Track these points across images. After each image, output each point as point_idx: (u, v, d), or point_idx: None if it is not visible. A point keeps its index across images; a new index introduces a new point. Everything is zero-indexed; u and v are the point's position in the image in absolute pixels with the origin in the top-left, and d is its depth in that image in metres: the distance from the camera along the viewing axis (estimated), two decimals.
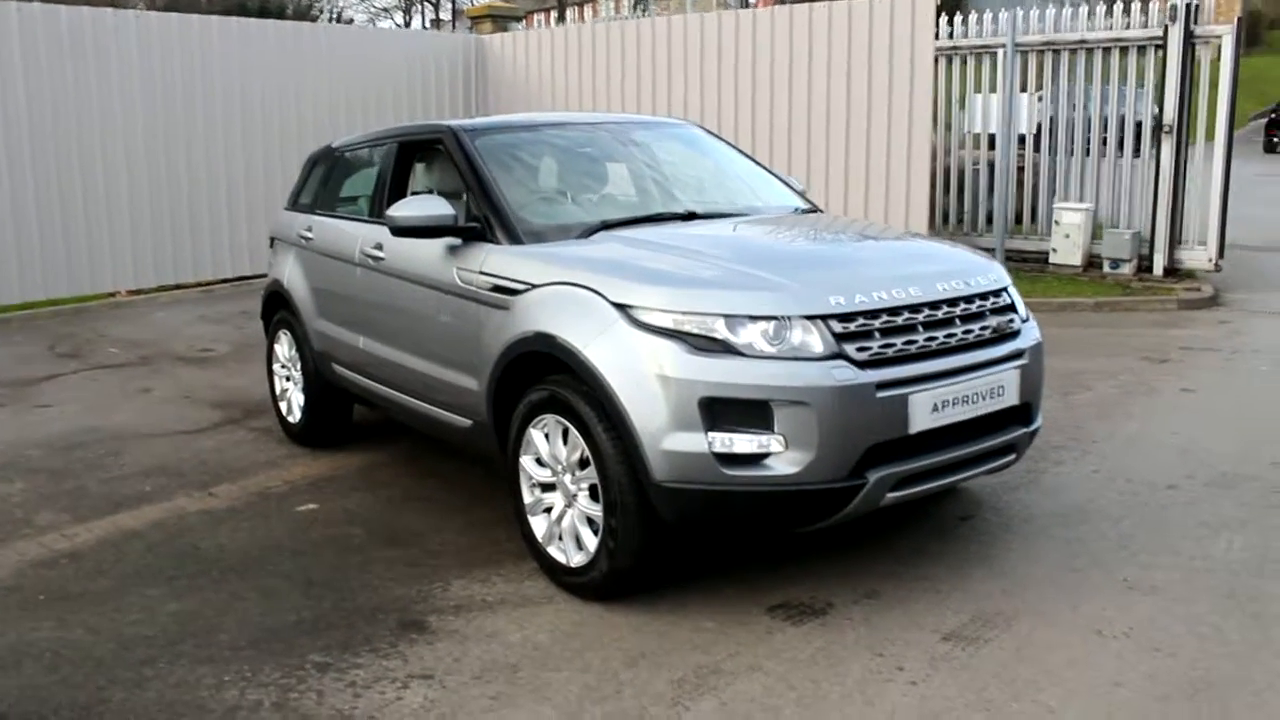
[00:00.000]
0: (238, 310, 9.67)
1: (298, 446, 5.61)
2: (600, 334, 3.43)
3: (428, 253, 4.29)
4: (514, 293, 3.81)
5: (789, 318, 3.28)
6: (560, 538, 3.72)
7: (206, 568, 4.05)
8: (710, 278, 3.50)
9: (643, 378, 3.31)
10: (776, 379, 3.22)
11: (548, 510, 3.79)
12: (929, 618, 3.42)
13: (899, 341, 3.39)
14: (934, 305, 3.51)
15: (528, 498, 3.84)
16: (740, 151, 5.27)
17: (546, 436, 3.71)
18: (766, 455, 3.25)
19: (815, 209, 4.85)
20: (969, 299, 3.63)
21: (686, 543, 3.70)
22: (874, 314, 3.38)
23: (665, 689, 3.05)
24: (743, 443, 3.24)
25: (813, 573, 3.77)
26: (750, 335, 3.27)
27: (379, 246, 4.67)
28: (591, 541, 3.55)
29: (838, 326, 3.30)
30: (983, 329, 3.63)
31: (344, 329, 5.05)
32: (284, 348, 5.71)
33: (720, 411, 3.24)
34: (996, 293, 3.77)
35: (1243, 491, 4.50)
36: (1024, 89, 10.32)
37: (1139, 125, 10.08)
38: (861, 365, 3.29)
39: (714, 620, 3.45)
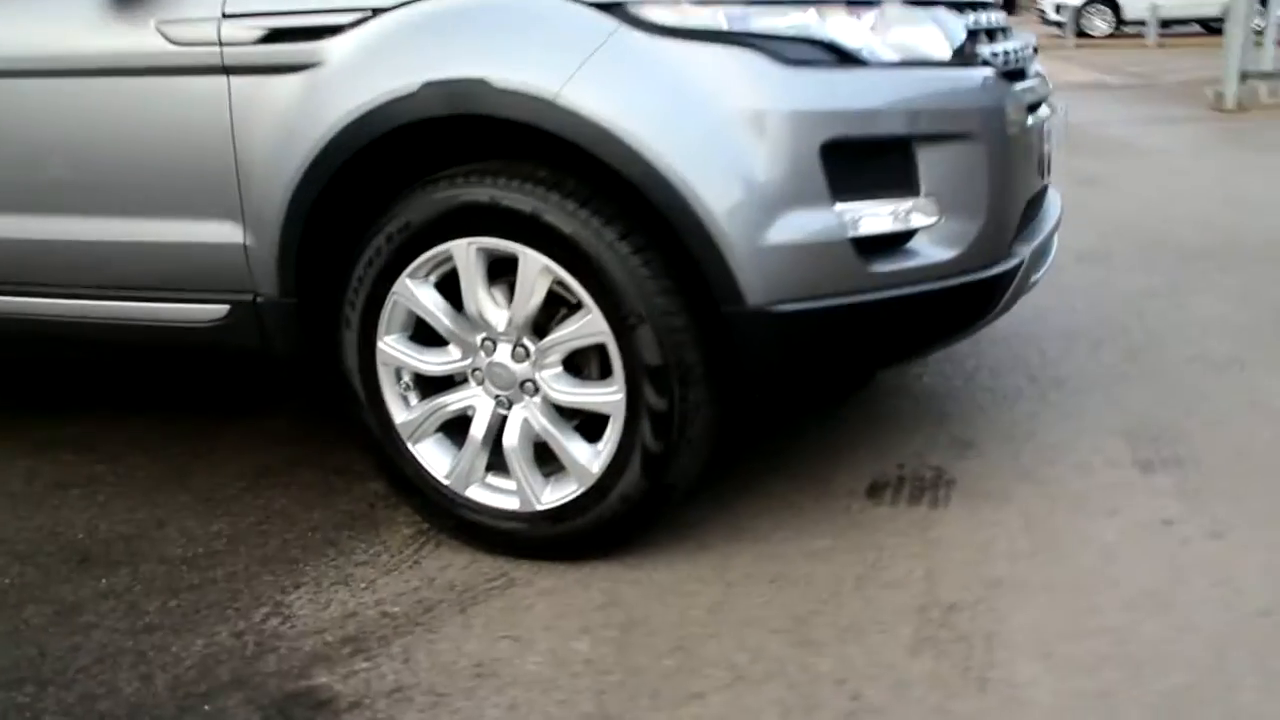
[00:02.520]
0: None
1: None
2: (588, 60, 1.79)
3: (65, 11, 2.20)
4: (326, 32, 1.97)
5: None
6: (492, 470, 2.07)
7: None
8: None
9: (708, 123, 1.77)
10: (924, 99, 1.88)
11: (448, 427, 2.10)
12: (1080, 451, 2.36)
13: (1001, 50, 2.19)
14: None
15: (401, 413, 2.10)
16: None
17: (442, 287, 2.00)
18: (910, 234, 1.91)
19: None
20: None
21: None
22: (959, 6, 2.13)
23: (909, 643, 1.66)
24: (876, 217, 1.86)
25: (835, 444, 2.51)
26: (859, 33, 1.87)
27: None
28: (586, 456, 1.96)
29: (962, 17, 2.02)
30: (1020, 49, 2.54)
31: None
32: None
33: (841, 166, 1.82)
34: None
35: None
36: None
37: None
38: (1004, 77, 2.05)
39: (829, 537, 2.07)
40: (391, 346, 2.05)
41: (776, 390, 1.95)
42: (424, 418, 2.08)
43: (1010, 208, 2.02)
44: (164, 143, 2.13)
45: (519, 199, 1.85)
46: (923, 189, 1.89)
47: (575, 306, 1.97)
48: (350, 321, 2.06)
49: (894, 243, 1.89)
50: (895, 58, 1.88)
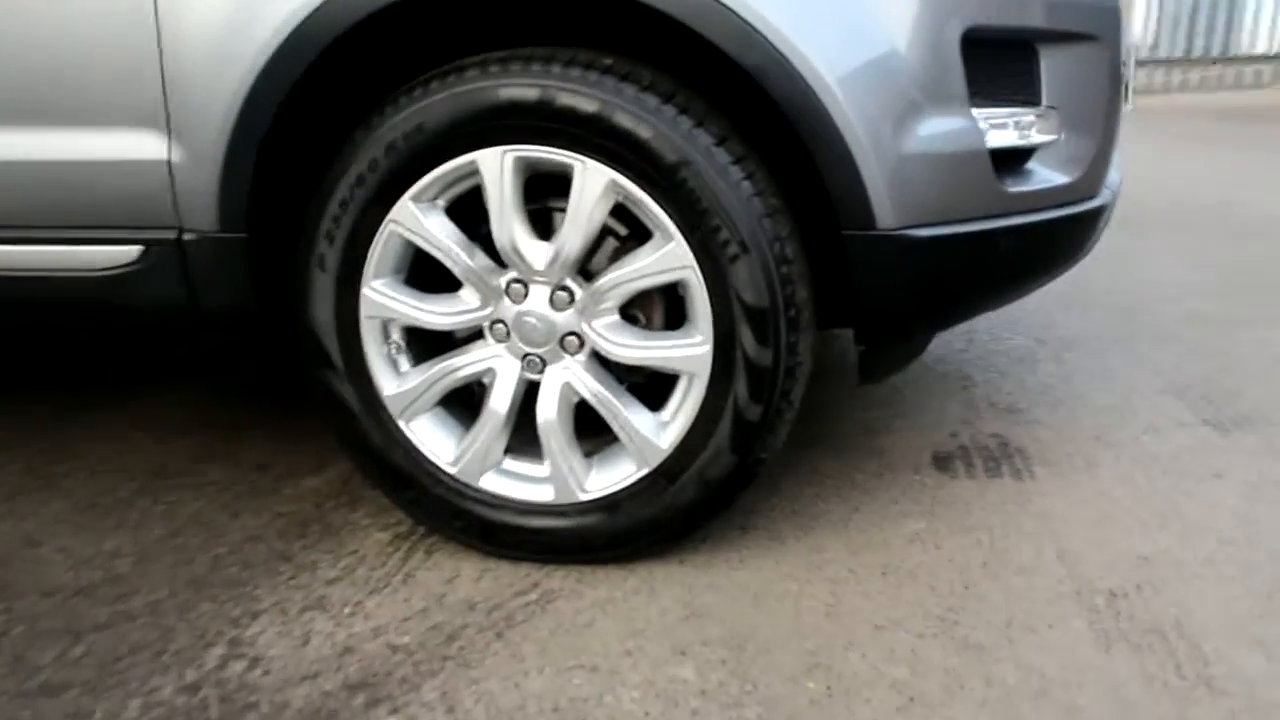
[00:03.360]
0: None
1: None
2: None
3: None
4: None
5: None
6: (507, 453, 1.62)
7: None
8: None
9: (835, 4, 1.41)
10: None
11: (449, 402, 1.65)
12: (1139, 412, 2.13)
13: None
14: None
15: (390, 382, 1.62)
16: None
17: (454, 211, 1.54)
18: (1030, 151, 1.61)
19: None
20: None
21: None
22: None
23: (1092, 639, 1.35)
24: (1004, 128, 1.55)
25: (861, 414, 2.20)
26: None
27: None
28: (651, 428, 1.54)
29: None
30: None
31: None
32: None
33: (975, 63, 1.50)
34: None
35: None
36: None
37: None
38: None
39: (920, 518, 1.74)
40: (382, 293, 1.56)
41: (886, 335, 1.60)
42: (424, 387, 1.60)
43: (1116, 129, 1.75)
44: (50, 17, 1.55)
45: (580, 94, 1.41)
46: (1044, 96, 1.59)
47: (627, 239, 1.56)
48: (325, 261, 1.56)
49: (1015, 161, 1.58)
50: None
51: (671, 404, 1.55)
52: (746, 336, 1.46)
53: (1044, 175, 1.61)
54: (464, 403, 1.68)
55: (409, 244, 1.54)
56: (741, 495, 1.57)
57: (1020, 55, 1.56)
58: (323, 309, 1.58)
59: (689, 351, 1.49)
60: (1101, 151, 1.68)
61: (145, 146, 1.56)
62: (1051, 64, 1.58)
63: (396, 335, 1.61)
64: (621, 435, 1.55)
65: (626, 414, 1.54)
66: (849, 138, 1.39)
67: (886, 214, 1.43)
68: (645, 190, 1.44)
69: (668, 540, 1.60)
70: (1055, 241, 1.67)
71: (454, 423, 1.65)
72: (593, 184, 1.45)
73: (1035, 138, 1.59)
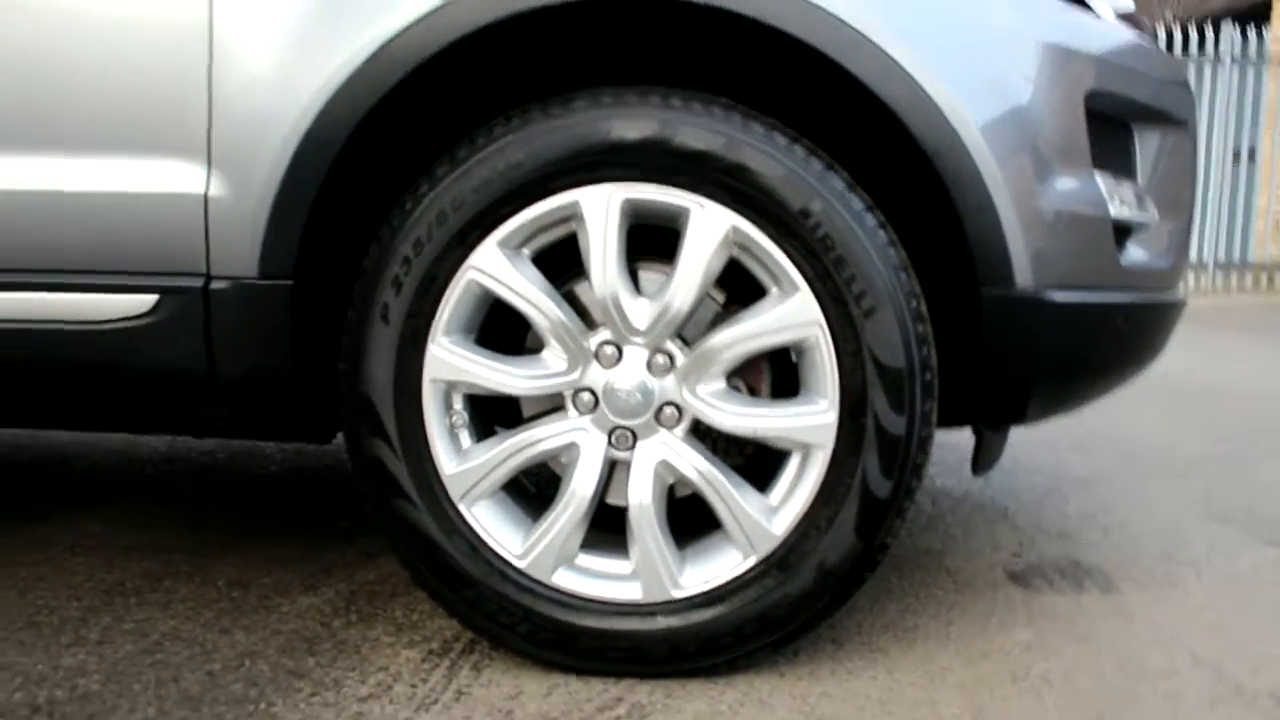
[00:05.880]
0: None
1: None
2: None
3: None
4: None
5: None
6: (581, 547, 1.39)
7: None
8: None
9: (979, 41, 1.35)
10: (1153, 69, 1.57)
11: (519, 488, 1.44)
12: (1192, 535, 2.04)
13: None
14: None
15: (451, 459, 1.38)
16: None
17: (543, 258, 1.38)
18: (1129, 231, 1.55)
19: None
20: None
21: None
22: None
23: None
24: (1114, 200, 1.49)
25: (935, 550, 2.05)
26: None
27: None
28: (761, 511, 1.35)
29: None
30: None
31: None
32: None
33: (1092, 127, 1.45)
34: None
35: None
36: None
37: None
38: None
39: (1023, 629, 1.57)
40: (452, 352, 1.36)
41: (1005, 415, 1.46)
42: (492, 465, 1.38)
43: (1191, 225, 1.73)
44: (66, 20, 1.37)
45: (706, 130, 1.29)
46: (1138, 171, 1.56)
47: (728, 304, 1.42)
48: (390, 312, 1.35)
49: (1121, 239, 1.52)
50: (1109, 16, 1.58)
51: (781, 484, 1.37)
52: (880, 402, 1.31)
53: (1144, 257, 1.55)
54: (515, 489, 1.46)
55: (487, 296, 1.36)
56: (860, 588, 1.38)
57: (1120, 133, 1.53)
58: (380, 369, 1.36)
59: (813, 420, 1.33)
60: (1185, 243, 1.65)
61: (178, 178, 1.36)
62: (1145, 145, 1.56)
63: (459, 404, 1.40)
64: (727, 520, 1.35)
65: (736, 495, 1.34)
66: (989, 182, 1.31)
67: (1025, 272, 1.34)
68: (770, 237, 1.31)
69: (774, 644, 1.38)
70: (1156, 328, 1.60)
71: (518, 510, 1.42)
72: (712, 229, 1.31)
73: (1139, 215, 1.54)
